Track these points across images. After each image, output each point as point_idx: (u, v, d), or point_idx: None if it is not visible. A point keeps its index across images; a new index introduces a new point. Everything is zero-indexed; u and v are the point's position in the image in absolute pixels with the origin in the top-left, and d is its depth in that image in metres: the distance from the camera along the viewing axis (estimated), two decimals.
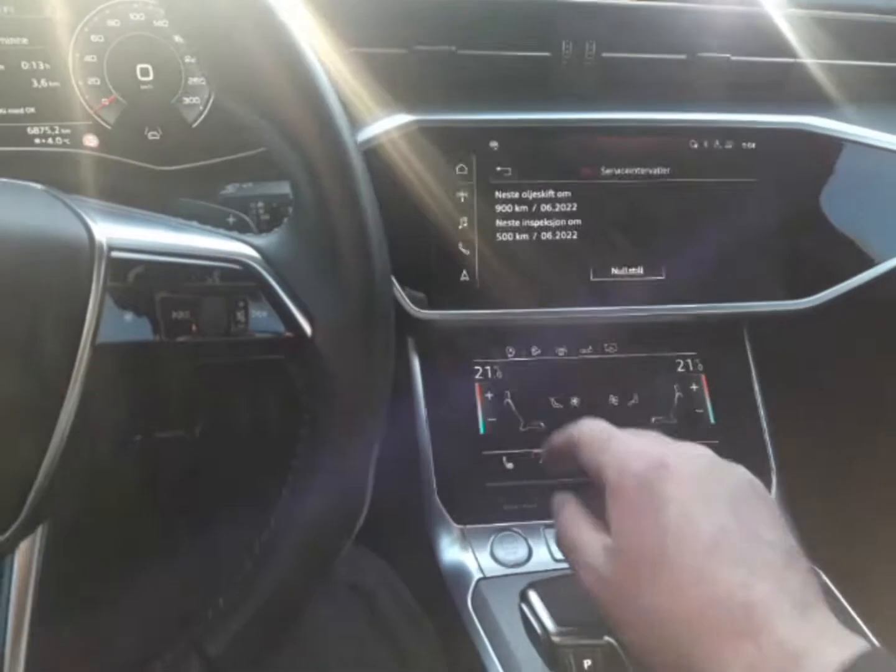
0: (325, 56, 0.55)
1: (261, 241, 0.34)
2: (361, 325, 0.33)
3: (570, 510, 0.41)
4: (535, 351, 0.66)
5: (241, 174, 0.54)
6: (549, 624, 0.46)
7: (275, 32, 0.31)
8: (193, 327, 0.31)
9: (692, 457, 0.37)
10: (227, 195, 0.49)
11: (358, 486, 0.35)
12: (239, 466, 0.46)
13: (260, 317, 0.32)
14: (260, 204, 0.46)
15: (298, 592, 0.36)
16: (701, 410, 0.65)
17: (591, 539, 0.38)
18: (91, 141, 0.57)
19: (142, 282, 0.31)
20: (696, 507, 0.34)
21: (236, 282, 0.32)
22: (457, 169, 0.58)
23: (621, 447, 0.38)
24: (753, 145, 0.60)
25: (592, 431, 0.41)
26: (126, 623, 0.46)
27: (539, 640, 0.46)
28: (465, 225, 0.59)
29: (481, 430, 0.63)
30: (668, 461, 0.36)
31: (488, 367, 0.65)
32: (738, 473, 0.37)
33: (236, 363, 0.35)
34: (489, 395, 0.64)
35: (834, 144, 0.62)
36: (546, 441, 0.46)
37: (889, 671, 0.29)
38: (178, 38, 0.54)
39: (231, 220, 0.44)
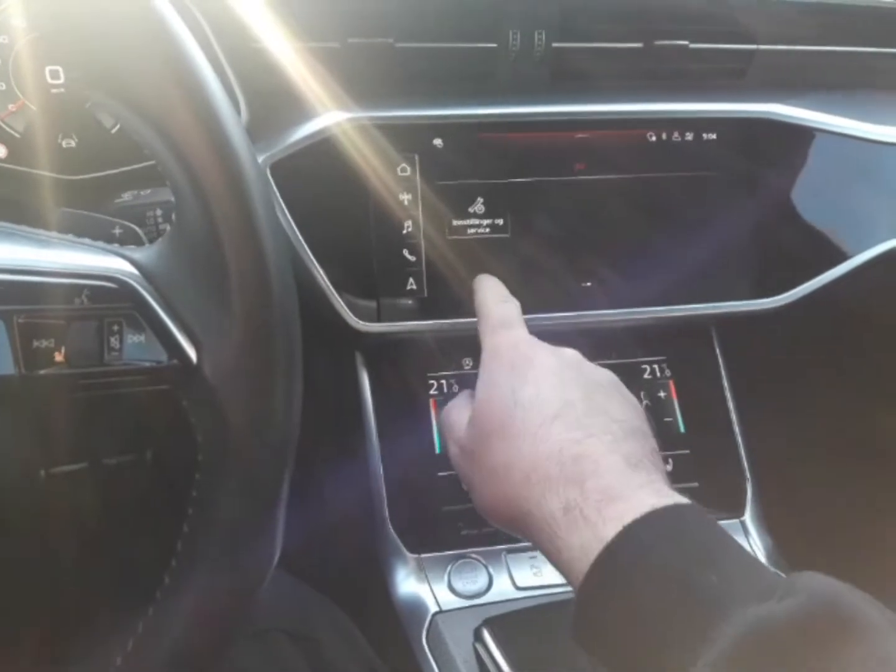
0: (243, 51, 0.51)
1: (140, 254, 0.29)
2: (256, 351, 0.28)
3: (456, 400, 0.46)
4: None
5: (160, 181, 0.50)
6: (504, 665, 0.42)
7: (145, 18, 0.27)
8: (59, 357, 0.27)
9: (562, 352, 0.42)
10: (122, 203, 0.44)
11: (262, 544, 0.30)
12: (145, 503, 0.42)
13: (137, 342, 0.27)
14: (158, 212, 0.41)
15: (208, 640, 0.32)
16: (670, 419, 0.62)
17: (460, 416, 0.42)
18: None
19: None
20: (551, 388, 0.38)
21: (110, 302, 0.28)
22: (398, 169, 0.54)
23: (501, 339, 0.43)
24: (714, 136, 0.57)
25: (490, 308, 0.46)
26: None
27: None
28: (410, 229, 0.55)
29: (437, 450, 0.59)
30: (538, 356, 0.40)
31: (443, 381, 0.61)
32: (605, 373, 0.41)
33: (131, 394, 0.31)
34: None
35: (799, 133, 0.59)
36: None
37: (700, 522, 0.31)
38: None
39: (117, 231, 0.39)
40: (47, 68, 0.52)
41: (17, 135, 0.52)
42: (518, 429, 0.36)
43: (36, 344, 0.26)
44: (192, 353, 0.28)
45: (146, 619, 0.29)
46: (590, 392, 0.38)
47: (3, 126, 0.52)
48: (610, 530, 0.30)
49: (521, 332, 0.43)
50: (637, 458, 0.34)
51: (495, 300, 0.47)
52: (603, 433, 0.35)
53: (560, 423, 0.35)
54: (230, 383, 0.28)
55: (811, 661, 0.24)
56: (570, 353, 0.42)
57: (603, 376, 0.41)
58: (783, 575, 0.29)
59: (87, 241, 0.30)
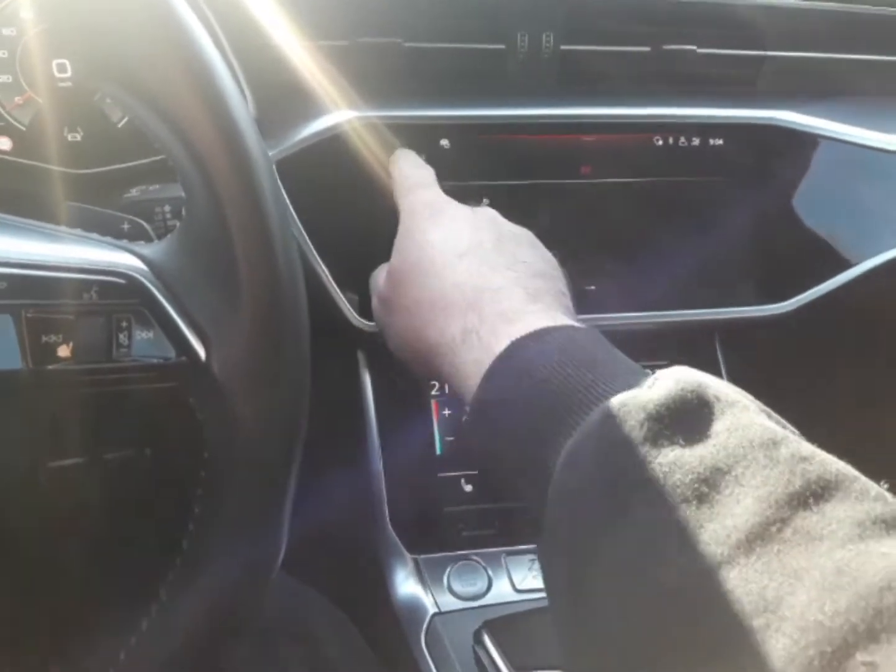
0: (252, 48, 0.51)
1: (149, 250, 0.29)
2: (265, 348, 0.28)
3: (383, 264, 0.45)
4: None
5: (168, 176, 0.50)
6: (503, 667, 0.42)
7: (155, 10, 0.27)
8: (67, 352, 0.26)
9: (478, 208, 0.42)
10: (131, 199, 0.44)
11: (267, 542, 0.30)
12: (146, 501, 0.42)
13: (145, 339, 0.27)
14: (166, 208, 0.41)
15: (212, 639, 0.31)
16: None
17: (382, 273, 0.43)
18: (3, 144, 0.52)
19: (4, 300, 0.26)
20: (460, 231, 0.38)
21: (118, 298, 0.27)
22: None
23: (416, 197, 0.43)
24: (721, 142, 0.57)
25: (405, 172, 0.46)
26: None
27: None
28: None
29: (438, 451, 0.59)
30: (452, 207, 0.41)
31: None
32: (521, 228, 0.41)
33: (138, 390, 0.31)
34: (446, 412, 0.60)
35: (806, 141, 0.59)
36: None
37: (591, 338, 0.32)
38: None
39: (126, 226, 0.39)
40: (54, 61, 0.52)
41: (22, 127, 0.52)
42: (426, 267, 0.37)
43: (44, 339, 0.26)
44: (200, 350, 0.28)
45: (149, 616, 0.29)
46: (501, 238, 0.39)
47: (9, 118, 0.52)
48: (501, 346, 0.31)
49: (436, 191, 0.44)
50: (539, 293, 0.35)
51: (410, 165, 0.47)
52: (508, 270, 0.36)
53: (467, 260, 0.36)
54: (238, 380, 0.27)
55: (674, 433, 0.24)
56: (487, 209, 0.42)
57: (518, 230, 0.41)
58: None
59: (95, 236, 0.30)
